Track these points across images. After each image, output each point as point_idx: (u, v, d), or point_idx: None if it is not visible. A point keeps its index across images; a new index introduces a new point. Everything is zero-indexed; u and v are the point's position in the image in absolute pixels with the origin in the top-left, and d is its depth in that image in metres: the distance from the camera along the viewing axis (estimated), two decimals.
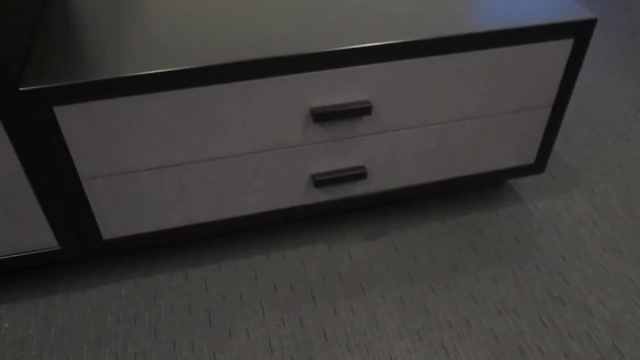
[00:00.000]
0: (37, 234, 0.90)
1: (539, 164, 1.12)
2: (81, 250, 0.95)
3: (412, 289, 1.00)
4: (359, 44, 0.83)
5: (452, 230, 1.12)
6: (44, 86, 0.74)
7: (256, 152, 0.90)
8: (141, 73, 0.76)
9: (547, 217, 1.15)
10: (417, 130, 0.96)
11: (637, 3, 2.10)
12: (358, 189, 1.02)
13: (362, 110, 0.88)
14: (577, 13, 0.93)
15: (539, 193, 1.22)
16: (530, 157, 1.10)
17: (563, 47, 0.94)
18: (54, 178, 0.84)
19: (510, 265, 1.05)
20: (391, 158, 0.99)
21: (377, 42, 0.84)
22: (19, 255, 0.92)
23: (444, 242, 1.10)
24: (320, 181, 0.97)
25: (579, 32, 0.93)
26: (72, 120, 0.78)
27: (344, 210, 1.16)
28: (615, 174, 1.28)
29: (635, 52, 1.77)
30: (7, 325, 0.94)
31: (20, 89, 0.74)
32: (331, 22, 0.89)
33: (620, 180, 1.26)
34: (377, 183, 1.03)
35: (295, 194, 0.99)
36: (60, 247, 0.93)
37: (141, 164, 0.86)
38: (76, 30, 0.88)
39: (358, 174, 0.98)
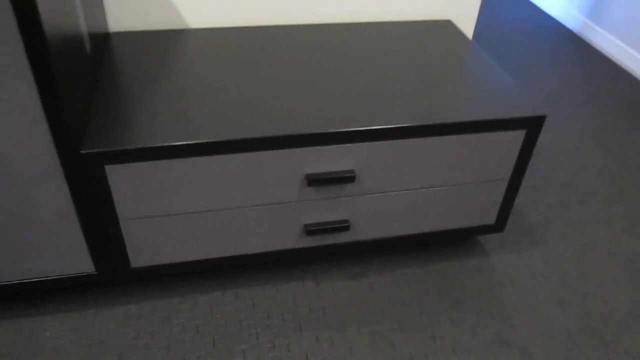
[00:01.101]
0: (79, 261, 1.11)
1: (499, 225, 1.31)
2: (113, 275, 1.16)
3: (384, 325, 1.20)
4: (346, 127, 1.04)
5: (423, 276, 1.32)
6: (99, 150, 0.96)
7: (260, 205, 1.11)
8: (171, 144, 0.98)
9: (506, 271, 1.35)
10: (393, 194, 1.17)
11: (625, 79, 2.31)
12: (343, 237, 1.23)
13: (347, 179, 1.09)
14: (531, 109, 1.14)
15: (502, 249, 1.41)
16: (491, 219, 1.30)
17: (517, 136, 1.14)
18: (98, 218, 1.05)
19: (469, 311, 1.24)
20: (371, 215, 1.20)
21: (361, 127, 1.05)
22: (64, 276, 1.13)
23: (414, 286, 1.29)
24: (311, 230, 1.17)
25: (531, 125, 1.13)
26: (117, 175, 1.00)
27: (331, 254, 1.36)
28: (572, 236, 1.47)
29: (610, 126, 1.97)
30: (48, 334, 1.15)
31: (81, 152, 0.96)
32: (325, 107, 1.11)
33: (576, 242, 1.45)
34: (359, 234, 1.23)
35: (289, 239, 1.19)
36: (96, 272, 1.14)
37: (168, 210, 1.07)
38: (122, 104, 1.10)
39: (342, 227, 1.18)
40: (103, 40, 1.29)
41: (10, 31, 0.82)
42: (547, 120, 1.98)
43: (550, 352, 1.16)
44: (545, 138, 1.88)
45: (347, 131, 1.05)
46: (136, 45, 1.31)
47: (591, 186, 1.66)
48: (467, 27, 1.59)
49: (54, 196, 1.00)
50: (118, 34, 1.37)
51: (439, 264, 1.36)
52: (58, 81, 0.88)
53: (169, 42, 1.34)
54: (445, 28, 1.49)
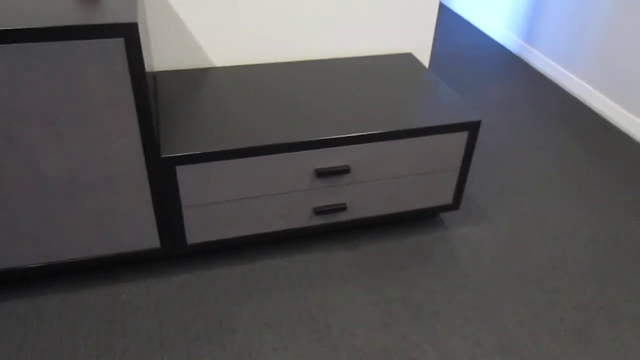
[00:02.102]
0: (149, 238, 1.52)
1: (455, 204, 1.77)
2: (173, 250, 1.56)
3: (374, 280, 1.63)
4: (341, 135, 1.49)
5: (401, 245, 1.76)
6: (173, 155, 1.38)
7: (282, 193, 1.54)
8: (220, 150, 1.41)
9: (461, 238, 1.80)
10: (376, 182, 1.61)
11: (556, 92, 2.83)
12: (341, 217, 1.66)
13: (343, 171, 1.54)
14: (470, 117, 1.60)
15: (458, 223, 1.87)
16: (448, 199, 1.75)
17: (462, 136, 1.61)
18: (167, 205, 1.47)
19: (435, 267, 1.68)
20: (361, 198, 1.64)
21: (351, 134, 1.49)
22: (138, 250, 1.53)
23: (394, 252, 1.73)
24: (318, 212, 1.60)
25: (471, 128, 1.60)
26: (184, 173, 1.42)
27: (334, 229, 1.79)
28: (509, 213, 1.94)
29: (542, 129, 2.47)
30: (123, 297, 1.54)
31: (162, 156, 1.37)
32: (323, 121, 1.55)
33: (512, 217, 1.92)
34: (353, 213, 1.67)
35: (303, 219, 1.62)
36: (160, 247, 1.55)
37: (217, 199, 1.49)
38: (179, 123, 1.52)
39: (341, 208, 1.62)
40: (153, 77, 1.71)
41: (123, 77, 1.24)
42: (491, 126, 2.47)
43: (494, 290, 1.61)
44: (490, 141, 2.36)
45: (342, 137, 1.49)
46: (175, 79, 1.74)
47: (525, 176, 2.14)
48: (424, 57, 2.06)
49: (139, 189, 1.42)
50: (159, 72, 1.79)
51: (413, 236, 1.80)
52: (149, 108, 1.30)
53: (201, 76, 1.77)
54: (406, 59, 1.96)
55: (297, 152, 1.48)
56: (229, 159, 1.43)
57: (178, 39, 1.78)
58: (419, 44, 2.02)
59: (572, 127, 2.51)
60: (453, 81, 2.90)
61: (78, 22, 1.16)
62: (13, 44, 1.14)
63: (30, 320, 1.45)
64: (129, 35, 1.20)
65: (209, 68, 1.84)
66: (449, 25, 3.69)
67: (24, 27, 1.13)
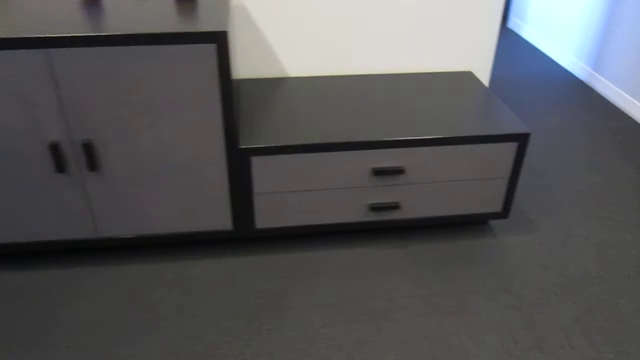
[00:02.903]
0: (223, 220, 1.74)
1: (504, 212, 1.88)
2: (243, 232, 1.77)
3: (421, 274, 1.76)
4: (399, 137, 1.65)
5: (449, 247, 1.88)
6: (250, 147, 1.60)
7: (342, 188, 1.72)
8: (290, 144, 1.61)
9: (508, 246, 1.90)
10: (429, 184, 1.76)
11: (622, 119, 2.86)
12: (394, 215, 1.81)
13: (398, 171, 1.70)
14: (520, 128, 1.72)
15: (506, 231, 1.97)
16: (498, 207, 1.86)
17: (512, 146, 1.73)
18: (241, 191, 1.68)
19: (481, 270, 1.79)
20: (414, 199, 1.78)
21: (408, 138, 1.66)
22: (214, 230, 1.75)
23: (442, 253, 1.86)
24: (373, 208, 1.77)
25: (520, 139, 1.72)
26: (258, 163, 1.63)
27: (386, 227, 1.95)
28: (558, 225, 2.01)
29: (605, 153, 2.52)
30: (195, 270, 1.76)
31: (240, 147, 1.59)
32: (383, 126, 1.72)
33: (561, 229, 1.99)
34: (406, 212, 1.82)
35: (359, 214, 1.79)
36: (233, 229, 1.76)
37: (285, 188, 1.69)
38: (255, 121, 1.74)
39: (395, 206, 1.77)
40: (237, 82, 1.95)
41: (213, 77, 1.47)
42: (549, 146, 2.54)
43: (534, 295, 1.70)
44: (547, 160, 2.44)
45: (399, 140, 1.65)
46: (255, 86, 1.97)
47: (577, 196, 2.20)
48: (484, 76, 2.19)
49: (219, 174, 1.64)
50: (242, 80, 2.04)
51: (461, 240, 1.92)
52: (232, 105, 1.53)
53: (277, 84, 1.99)
54: (466, 77, 2.11)
55: (357, 151, 1.66)
56: (297, 153, 1.63)
57: (259, 51, 2.02)
58: (479, 64, 2.16)
59: (631, 153, 2.54)
60: (517, 103, 2.99)
61: (179, 30, 1.41)
62: (130, 46, 1.40)
63: (111, 284, 1.70)
64: (220, 41, 1.43)
65: (284, 77, 2.06)
66: (519, 51, 3.77)
67: (138, 32, 1.39)
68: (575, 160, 2.45)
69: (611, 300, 1.70)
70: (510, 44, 3.89)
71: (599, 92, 3.14)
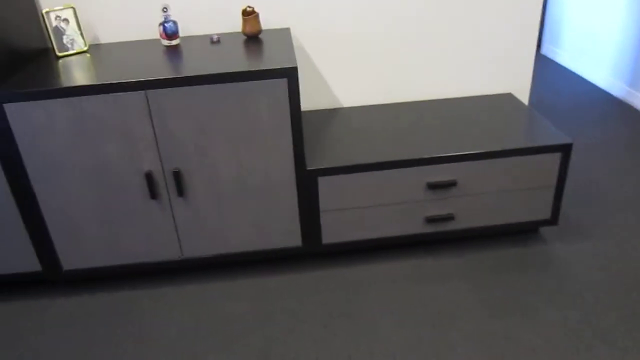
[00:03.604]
0: (293, 237, 1.91)
1: (553, 219, 1.99)
2: (311, 248, 1.94)
3: (479, 280, 1.88)
4: (450, 153, 1.81)
5: (504, 254, 2.00)
6: (316, 168, 1.78)
7: (401, 203, 1.88)
8: (351, 164, 1.79)
9: (559, 252, 2.00)
10: (481, 195, 1.90)
11: None
12: (450, 226, 1.95)
13: (451, 184, 1.85)
14: (563, 139, 1.86)
15: (556, 238, 2.07)
16: (547, 214, 1.98)
17: (556, 157, 1.86)
18: (309, 209, 1.86)
19: (534, 276, 1.90)
20: (468, 210, 1.92)
21: (459, 153, 1.81)
22: (285, 247, 1.92)
23: (498, 260, 1.97)
24: (430, 220, 1.91)
25: (564, 150, 1.85)
26: (324, 183, 1.81)
27: (442, 238, 2.08)
28: (606, 232, 2.10)
29: None
30: (270, 285, 1.92)
31: (307, 169, 1.78)
32: (436, 144, 1.89)
33: (612, 236, 2.08)
34: (461, 223, 1.95)
35: (417, 226, 1.94)
36: (302, 245, 1.93)
37: (348, 205, 1.86)
38: (318, 144, 1.93)
39: (449, 217, 1.92)
40: None
41: (284, 108, 1.68)
42: (594, 160, 2.64)
43: (591, 295, 1.79)
44: (592, 173, 2.54)
45: (450, 155, 1.81)
46: (316, 115, 2.18)
47: (626, 202, 2.29)
48: (524, 97, 2.34)
49: (289, 194, 1.83)
50: (304, 111, 2.25)
51: (515, 248, 2.03)
52: (301, 132, 1.72)
53: (335, 114, 2.19)
54: (507, 98, 2.26)
55: (412, 168, 1.82)
56: (357, 172, 1.81)
57: (316, 85, 2.23)
58: (519, 86, 2.32)
59: None
60: (557, 121, 3.11)
61: (254, 68, 1.63)
62: (211, 85, 1.62)
63: (202, 302, 1.88)
64: (290, 76, 1.64)
65: (340, 108, 2.26)
66: (555, 76, 3.90)
67: (219, 72, 1.61)
68: (619, 170, 2.54)
69: None
70: (545, 70, 4.02)
71: (637, 107, 3.23)
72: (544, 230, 2.13)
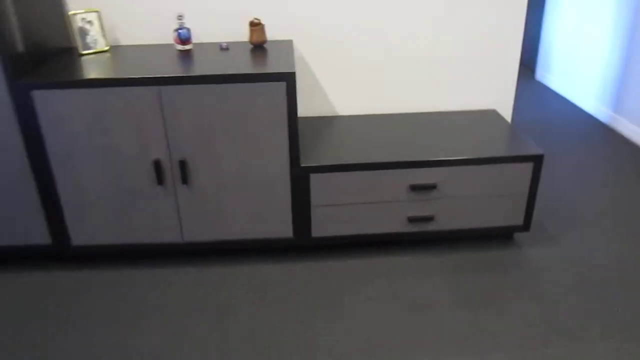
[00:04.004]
0: (284, 229, 2.08)
1: (526, 225, 2.16)
2: (301, 240, 2.11)
3: (455, 277, 2.04)
4: (431, 158, 1.99)
5: (479, 256, 2.17)
6: (309, 165, 1.96)
7: (385, 202, 2.05)
8: (340, 163, 1.97)
9: (531, 256, 2.17)
10: (459, 198, 2.07)
11: None
12: (430, 226, 2.12)
13: (431, 187, 2.03)
14: (536, 151, 2.04)
15: (528, 243, 2.24)
16: (520, 221, 2.15)
17: (528, 166, 2.04)
18: (301, 203, 2.03)
19: (507, 276, 2.06)
20: (446, 212, 2.10)
21: (440, 158, 1.99)
22: (278, 238, 2.10)
23: (474, 261, 2.14)
24: (412, 220, 2.09)
25: (535, 160, 2.03)
26: (315, 180, 1.99)
27: (423, 238, 2.25)
28: (574, 237, 2.27)
29: (623, 183, 2.78)
30: (265, 275, 2.09)
31: (301, 165, 1.96)
32: (419, 149, 2.07)
33: (576, 241, 2.25)
34: (440, 224, 2.12)
35: (399, 225, 2.11)
36: (293, 237, 2.11)
37: (337, 201, 2.03)
38: (311, 145, 2.12)
39: (429, 218, 2.09)
40: None
41: (282, 109, 1.87)
42: (570, 175, 2.81)
43: (554, 292, 1.95)
44: (569, 187, 2.71)
45: (431, 160, 1.99)
46: (311, 121, 2.37)
47: (594, 216, 2.46)
48: (507, 113, 2.53)
49: (284, 189, 2.01)
50: (300, 117, 2.44)
51: (490, 250, 2.20)
52: (297, 132, 1.91)
53: (329, 121, 2.38)
54: (490, 114, 2.45)
55: (396, 170, 2.00)
56: (347, 171, 1.99)
57: (314, 93, 2.43)
58: (502, 102, 2.50)
59: None
60: (540, 139, 3.29)
61: (257, 71, 1.82)
62: (218, 84, 1.82)
63: (199, 282, 2.05)
64: (289, 80, 1.83)
65: (336, 116, 2.45)
66: (544, 99, 4.10)
67: (224, 73, 1.81)
68: (594, 185, 2.71)
69: (627, 297, 1.93)
70: (537, 94, 4.22)
71: (620, 132, 3.42)
72: (518, 237, 2.30)
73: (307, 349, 1.73)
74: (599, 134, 3.42)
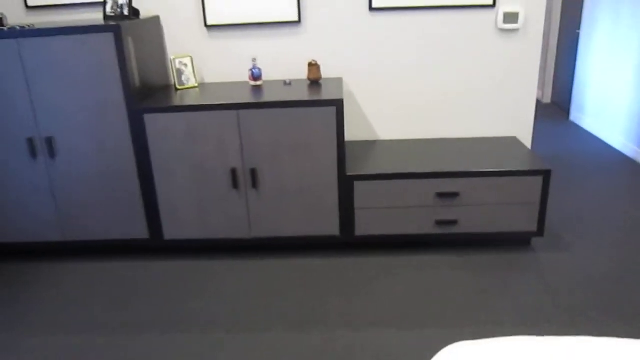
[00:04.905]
0: (332, 227, 2.53)
1: (540, 231, 2.52)
2: (346, 238, 2.55)
3: (475, 273, 2.42)
4: (455, 169, 2.42)
5: (498, 258, 2.53)
6: (354, 174, 2.43)
7: (415, 207, 2.48)
8: (380, 173, 2.42)
9: (544, 259, 2.51)
10: (479, 206, 2.47)
11: None
12: (455, 229, 2.52)
13: (454, 195, 2.44)
14: (544, 166, 2.43)
15: (542, 247, 2.58)
16: (534, 227, 2.51)
17: (539, 179, 2.42)
18: (346, 206, 2.49)
19: (522, 275, 2.42)
20: (469, 217, 2.49)
21: (462, 170, 2.42)
22: (327, 235, 2.55)
23: (493, 262, 2.51)
24: (438, 223, 2.49)
25: (544, 174, 2.41)
26: (359, 187, 2.45)
27: (448, 240, 2.64)
28: (585, 246, 2.59)
29: None
30: (313, 267, 2.54)
31: (347, 174, 2.44)
32: (445, 164, 2.50)
33: (587, 249, 2.57)
34: (463, 228, 2.52)
35: (428, 227, 2.52)
36: (339, 235, 2.55)
37: (377, 205, 2.48)
38: (358, 159, 2.59)
39: (454, 222, 2.49)
40: None
41: (332, 128, 2.36)
42: (591, 197, 3.13)
43: (564, 286, 2.29)
44: (588, 206, 3.03)
45: (454, 172, 2.42)
46: (356, 144, 2.85)
47: (608, 229, 2.77)
48: (527, 140, 2.93)
49: (332, 194, 2.48)
50: (347, 141, 2.93)
51: (509, 253, 2.56)
52: (344, 147, 2.39)
53: (371, 144, 2.86)
54: (511, 141, 2.86)
55: (425, 179, 2.43)
56: (385, 179, 2.44)
57: (359, 121, 2.92)
58: (523, 131, 2.91)
59: None
60: (567, 170, 3.62)
61: (313, 98, 2.33)
62: (282, 108, 2.34)
63: (257, 270, 2.52)
64: (338, 105, 2.34)
65: (377, 140, 2.93)
66: (576, 138, 4.43)
67: (288, 100, 2.33)
68: (609, 206, 3.02)
69: (628, 294, 2.25)
70: (570, 133, 4.56)
71: None
72: (535, 243, 2.65)
73: (348, 317, 2.15)
74: (623, 166, 3.72)
